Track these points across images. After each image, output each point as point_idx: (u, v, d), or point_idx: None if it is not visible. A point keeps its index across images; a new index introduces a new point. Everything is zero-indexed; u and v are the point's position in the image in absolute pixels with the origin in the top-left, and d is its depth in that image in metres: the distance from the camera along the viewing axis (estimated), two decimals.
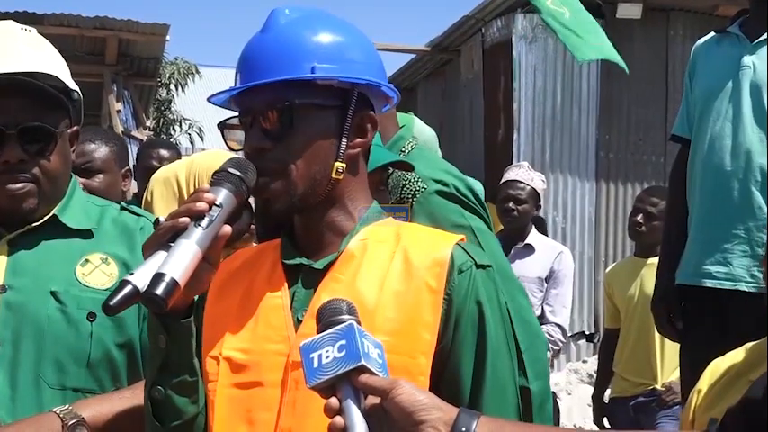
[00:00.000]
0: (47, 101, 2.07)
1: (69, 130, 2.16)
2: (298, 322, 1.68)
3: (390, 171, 2.68)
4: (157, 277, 1.48)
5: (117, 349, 2.05)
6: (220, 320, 1.73)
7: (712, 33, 3.67)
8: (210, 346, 1.71)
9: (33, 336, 2.00)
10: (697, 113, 3.58)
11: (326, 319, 1.48)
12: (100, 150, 3.50)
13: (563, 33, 6.32)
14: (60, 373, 2.00)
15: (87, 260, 2.09)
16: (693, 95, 3.63)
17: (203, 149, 17.30)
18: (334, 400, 1.41)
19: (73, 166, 3.37)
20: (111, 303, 1.49)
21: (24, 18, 9.90)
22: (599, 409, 5.58)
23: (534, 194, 5.32)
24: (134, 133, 11.85)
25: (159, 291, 1.47)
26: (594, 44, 6.40)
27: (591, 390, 5.90)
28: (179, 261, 1.51)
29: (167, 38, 11.40)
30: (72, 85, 2.16)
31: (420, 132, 3.84)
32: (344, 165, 1.72)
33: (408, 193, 2.66)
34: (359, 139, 1.75)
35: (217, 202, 1.58)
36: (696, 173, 3.55)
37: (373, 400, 1.41)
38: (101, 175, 3.47)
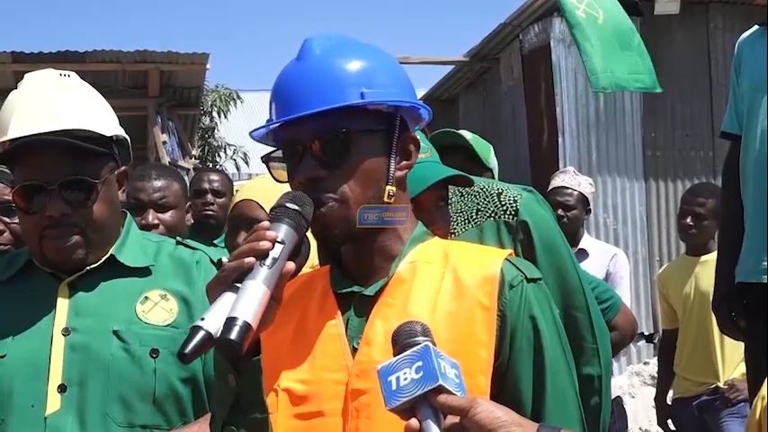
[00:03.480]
0: (84, 153, 2.10)
1: (116, 172, 2.19)
2: (353, 350, 1.68)
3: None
4: (230, 322, 1.45)
5: (181, 384, 2.08)
6: (276, 352, 1.71)
7: (756, 27, 3.62)
8: (267, 378, 1.68)
9: (99, 375, 2.02)
10: (745, 108, 3.53)
11: (402, 341, 1.47)
12: (173, 186, 3.57)
13: (587, 54, 6.24)
14: (127, 411, 2.02)
15: (147, 297, 2.12)
16: (741, 90, 3.58)
17: (250, 174, 17.41)
18: (414, 422, 1.41)
19: (149, 201, 3.44)
20: (186, 351, 1.45)
21: (67, 57, 10.05)
22: (662, 411, 5.52)
23: (583, 199, 5.28)
24: (181, 163, 11.94)
25: (233, 336, 1.44)
26: (616, 71, 6.30)
27: (654, 392, 5.84)
28: (249, 303, 1.48)
29: (207, 66, 11.50)
30: (113, 130, 2.18)
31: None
32: (394, 188, 1.72)
33: (509, 200, 2.59)
34: (404, 161, 1.76)
35: (279, 239, 1.55)
36: (748, 168, 3.50)
37: (453, 419, 1.42)
38: (173, 211, 3.54)
